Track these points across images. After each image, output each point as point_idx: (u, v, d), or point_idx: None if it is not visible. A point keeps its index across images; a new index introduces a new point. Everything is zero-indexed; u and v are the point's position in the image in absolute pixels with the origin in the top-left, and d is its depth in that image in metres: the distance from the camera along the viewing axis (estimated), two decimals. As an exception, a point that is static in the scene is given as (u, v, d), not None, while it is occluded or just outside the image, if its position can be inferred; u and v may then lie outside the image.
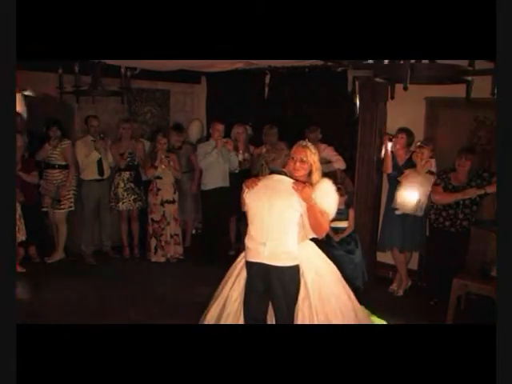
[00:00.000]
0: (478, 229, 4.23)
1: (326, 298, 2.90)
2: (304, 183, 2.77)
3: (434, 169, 4.38)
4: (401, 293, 4.67)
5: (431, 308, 4.32)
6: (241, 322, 3.01)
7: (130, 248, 5.64)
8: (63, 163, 5.17)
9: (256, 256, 2.86)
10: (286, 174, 2.89)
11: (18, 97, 5.26)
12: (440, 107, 4.65)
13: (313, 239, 2.98)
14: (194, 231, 6.33)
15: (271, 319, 2.99)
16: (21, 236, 4.69)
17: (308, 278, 2.87)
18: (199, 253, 5.54)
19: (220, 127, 5.22)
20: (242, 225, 5.57)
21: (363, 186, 4.88)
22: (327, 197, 2.83)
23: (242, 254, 3.07)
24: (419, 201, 4.31)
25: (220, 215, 5.37)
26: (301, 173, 2.86)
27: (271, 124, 5.28)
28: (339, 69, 4.89)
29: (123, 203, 5.39)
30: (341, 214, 3.95)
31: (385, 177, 4.85)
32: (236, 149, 5.28)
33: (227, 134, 5.34)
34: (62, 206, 5.21)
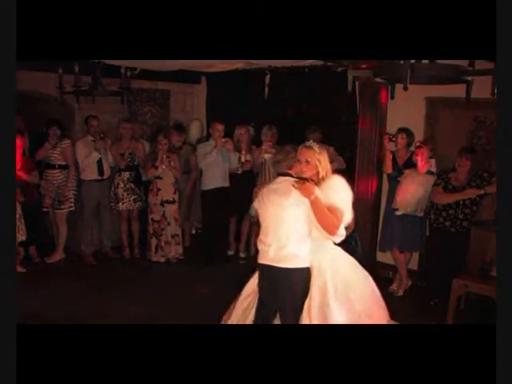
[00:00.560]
0: (477, 229, 4.22)
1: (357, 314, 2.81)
2: (306, 180, 2.71)
3: (434, 169, 4.38)
4: (401, 293, 4.67)
5: (431, 308, 4.31)
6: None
7: (130, 248, 5.64)
8: (63, 163, 5.17)
9: (264, 258, 2.87)
10: (292, 176, 2.86)
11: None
12: (440, 107, 4.65)
13: None
14: (193, 231, 6.34)
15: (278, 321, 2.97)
16: (21, 236, 4.69)
17: (330, 282, 2.79)
18: (199, 253, 5.54)
19: (220, 127, 5.22)
20: (242, 226, 5.60)
21: (363, 186, 4.88)
22: (339, 192, 2.79)
23: None
24: (419, 201, 4.31)
25: (220, 215, 5.37)
26: (308, 174, 2.83)
27: (271, 124, 5.28)
28: (339, 69, 4.90)
29: (123, 203, 5.39)
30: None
31: (385, 177, 4.85)
32: (239, 150, 5.28)
33: (227, 134, 5.33)
34: (63, 206, 5.21)
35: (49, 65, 4.00)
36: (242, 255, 5.62)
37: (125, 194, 5.37)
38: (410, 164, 4.45)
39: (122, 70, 4.33)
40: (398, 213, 4.42)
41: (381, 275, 4.95)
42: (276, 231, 2.81)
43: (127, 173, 5.38)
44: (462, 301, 4.19)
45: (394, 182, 4.53)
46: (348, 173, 4.97)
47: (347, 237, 4.29)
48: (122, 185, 5.36)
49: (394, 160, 4.58)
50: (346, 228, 4.28)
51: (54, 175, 5.17)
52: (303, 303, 2.81)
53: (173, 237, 5.45)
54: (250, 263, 4.26)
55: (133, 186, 5.41)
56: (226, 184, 5.31)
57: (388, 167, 4.58)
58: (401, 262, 4.66)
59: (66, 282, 4.74)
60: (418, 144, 4.42)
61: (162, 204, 5.33)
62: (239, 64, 4.78)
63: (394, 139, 4.52)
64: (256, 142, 5.53)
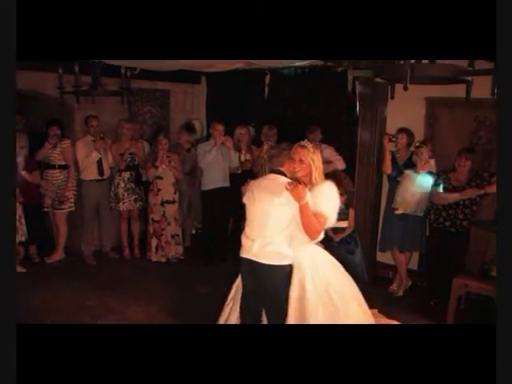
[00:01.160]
0: (477, 229, 4.22)
1: (335, 308, 2.85)
2: (298, 182, 2.72)
3: (434, 169, 4.38)
4: (401, 293, 4.67)
5: (431, 308, 4.31)
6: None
7: (130, 248, 5.64)
8: (63, 163, 5.18)
9: (246, 252, 2.89)
10: (283, 174, 2.88)
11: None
12: (440, 107, 4.65)
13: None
14: (193, 231, 6.34)
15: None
16: (21, 236, 4.69)
17: (308, 277, 2.84)
18: (199, 253, 5.54)
19: (220, 127, 5.21)
20: (239, 228, 5.59)
21: (363, 186, 4.87)
22: (327, 200, 2.82)
23: None
24: (419, 201, 4.31)
25: (220, 215, 5.37)
26: (301, 173, 2.84)
27: (271, 124, 5.27)
28: (339, 69, 4.89)
29: (123, 203, 5.39)
30: (341, 214, 3.95)
31: (385, 177, 4.85)
32: (239, 150, 5.28)
33: (228, 134, 5.33)
34: (63, 206, 5.21)
35: (49, 65, 4.00)
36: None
37: (125, 194, 5.38)
38: (410, 164, 4.44)
39: (122, 70, 4.33)
40: (398, 212, 4.42)
41: (381, 275, 4.97)
42: (262, 227, 2.83)
43: (127, 173, 5.38)
44: (462, 301, 4.18)
45: (394, 182, 4.53)
46: (348, 173, 5.00)
47: (347, 237, 4.32)
48: (122, 185, 5.37)
49: (394, 160, 4.58)
50: (346, 228, 4.33)
51: (53, 175, 5.17)
52: (286, 300, 2.84)
53: (173, 237, 5.45)
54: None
55: (133, 185, 5.42)
56: (227, 184, 5.31)
57: (388, 167, 4.57)
58: (401, 261, 4.66)
59: (66, 281, 4.74)
60: (417, 144, 4.42)
61: (162, 204, 5.33)
62: (239, 64, 4.78)
63: (393, 139, 4.52)
64: (256, 141, 5.54)
